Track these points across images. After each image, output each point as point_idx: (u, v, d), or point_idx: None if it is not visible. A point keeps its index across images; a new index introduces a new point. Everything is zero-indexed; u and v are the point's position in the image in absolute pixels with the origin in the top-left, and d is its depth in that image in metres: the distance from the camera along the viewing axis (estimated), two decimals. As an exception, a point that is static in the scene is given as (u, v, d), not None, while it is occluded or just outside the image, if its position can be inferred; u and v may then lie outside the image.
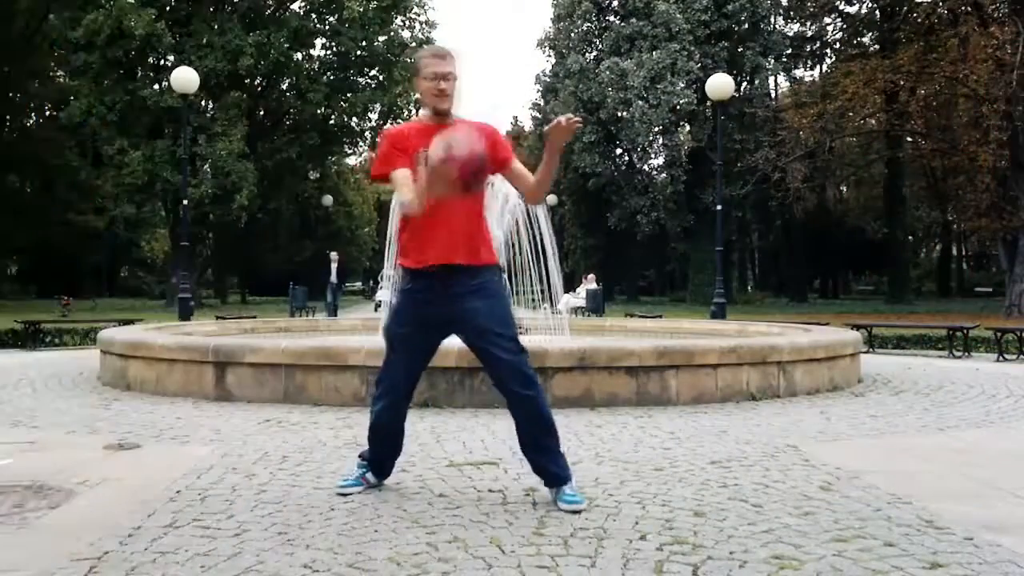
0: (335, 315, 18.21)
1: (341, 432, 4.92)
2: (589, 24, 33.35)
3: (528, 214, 8.78)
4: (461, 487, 3.62)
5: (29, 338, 12.17)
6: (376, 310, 19.30)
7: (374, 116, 31.29)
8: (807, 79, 37.87)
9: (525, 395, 3.26)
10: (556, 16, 35.78)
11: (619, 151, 34.04)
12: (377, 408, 3.45)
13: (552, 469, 3.34)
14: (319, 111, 29.62)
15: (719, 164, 14.93)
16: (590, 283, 20.27)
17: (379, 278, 23.81)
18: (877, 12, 31.34)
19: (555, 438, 3.35)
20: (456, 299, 3.26)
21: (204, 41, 25.20)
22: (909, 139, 30.02)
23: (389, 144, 3.28)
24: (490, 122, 3.41)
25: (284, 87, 30.19)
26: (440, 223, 3.20)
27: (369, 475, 3.54)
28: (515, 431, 3.39)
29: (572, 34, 33.53)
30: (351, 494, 3.42)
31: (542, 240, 8.71)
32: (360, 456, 3.60)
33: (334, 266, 20.58)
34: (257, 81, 29.08)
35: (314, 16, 29.33)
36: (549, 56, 38.66)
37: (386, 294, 18.48)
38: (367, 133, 33.16)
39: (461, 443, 4.60)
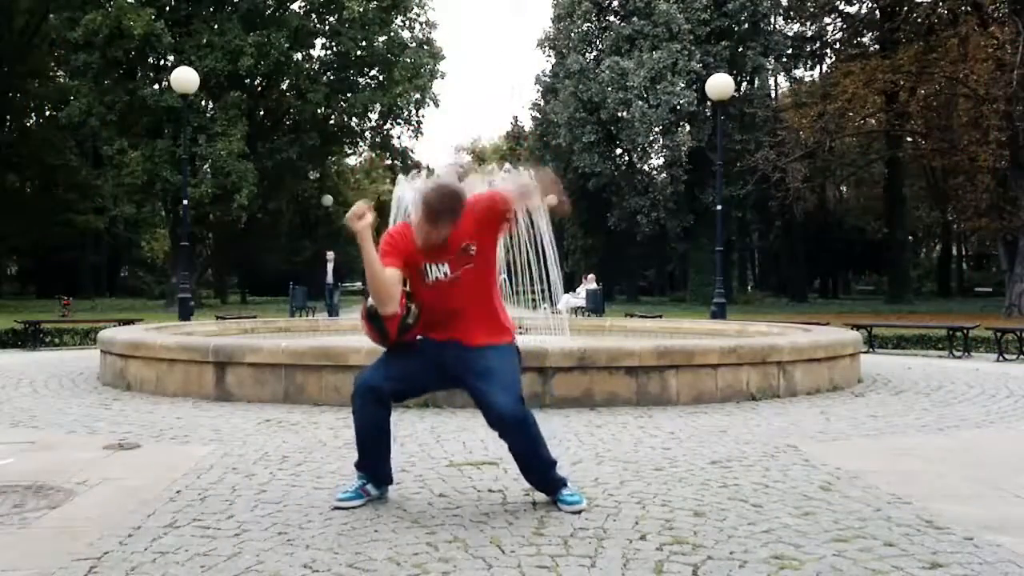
0: (336, 315, 18.09)
1: (341, 432, 4.92)
2: (589, 24, 33.31)
3: (529, 214, 8.78)
4: (461, 487, 3.62)
5: (29, 338, 12.17)
6: None
7: (374, 116, 31.26)
8: (807, 79, 37.85)
9: (521, 442, 3.23)
10: (556, 16, 35.72)
11: (619, 151, 33.99)
12: (354, 407, 3.29)
13: (546, 484, 3.34)
14: (319, 111, 29.60)
15: (719, 164, 14.93)
16: (590, 283, 20.26)
17: None
18: (877, 12, 31.30)
19: (547, 457, 3.31)
20: (464, 350, 3.23)
21: (204, 41, 25.18)
22: (909, 139, 29.99)
23: (385, 242, 3.23)
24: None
25: (284, 87, 30.16)
26: (440, 309, 3.22)
27: (369, 486, 3.36)
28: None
29: (572, 34, 33.48)
30: (351, 508, 3.25)
31: (542, 240, 8.71)
32: (355, 466, 3.42)
33: (330, 265, 20.28)
34: (257, 81, 29.06)
35: (314, 16, 29.31)
36: (549, 56, 38.61)
37: None
38: (367, 133, 33.14)
39: (461, 443, 4.60)
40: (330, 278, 20.12)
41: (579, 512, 3.17)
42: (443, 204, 3.05)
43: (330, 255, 20.55)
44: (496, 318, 3.30)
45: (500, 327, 3.30)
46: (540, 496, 3.39)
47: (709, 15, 30.27)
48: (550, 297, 9.03)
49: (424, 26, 31.37)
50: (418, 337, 3.29)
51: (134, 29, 23.46)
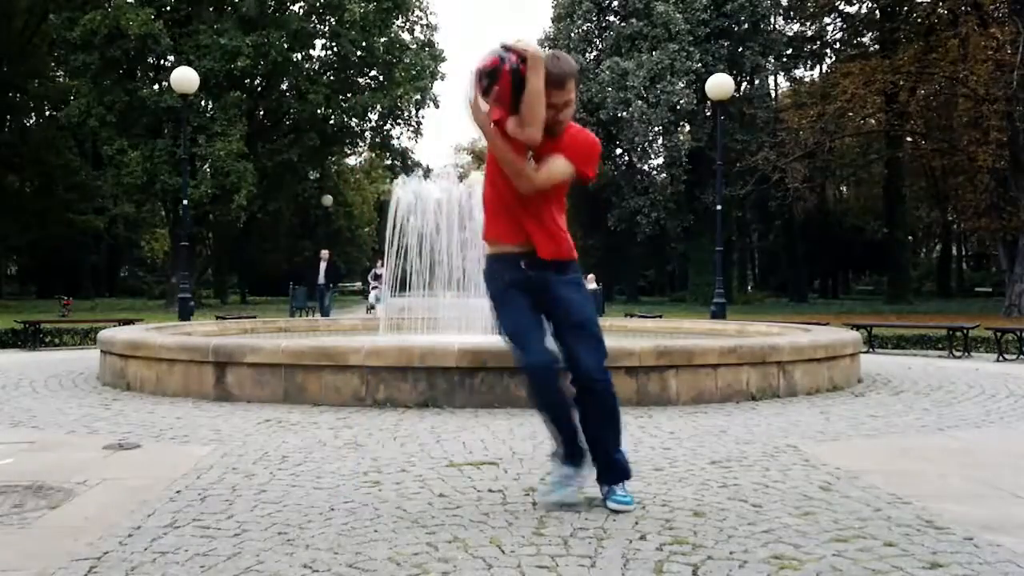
0: (327, 315, 17.92)
1: (341, 432, 4.92)
2: (589, 24, 33.33)
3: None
4: (461, 487, 3.62)
5: (29, 338, 12.17)
6: (369, 312, 18.76)
7: (374, 117, 31.26)
8: (807, 79, 37.87)
9: (597, 407, 3.23)
10: (556, 16, 35.74)
11: (619, 151, 34.01)
12: (533, 394, 3.27)
13: (605, 464, 3.28)
14: (319, 112, 29.59)
15: (719, 164, 14.93)
16: (590, 283, 20.24)
17: (370, 277, 22.73)
18: (877, 12, 31.33)
19: (617, 435, 3.30)
20: (542, 282, 3.27)
21: (203, 41, 25.17)
22: (909, 139, 30.00)
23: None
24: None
25: (284, 87, 30.17)
26: (505, 210, 3.30)
27: (567, 468, 3.28)
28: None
29: (572, 34, 33.49)
30: (571, 503, 3.23)
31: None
32: (558, 457, 3.32)
33: (323, 265, 19.93)
34: (256, 81, 29.06)
35: (314, 17, 29.29)
36: (549, 56, 38.61)
37: (379, 294, 17.83)
38: (367, 134, 33.12)
39: (461, 443, 4.59)
40: (322, 278, 19.74)
41: (622, 512, 3.16)
42: (568, 69, 3.17)
43: (324, 254, 20.27)
44: (561, 233, 3.34)
45: (566, 244, 3.36)
46: (540, 496, 3.39)
47: (708, 15, 30.28)
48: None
49: (425, 28, 31.39)
50: (496, 259, 3.33)
51: (133, 29, 23.44)
